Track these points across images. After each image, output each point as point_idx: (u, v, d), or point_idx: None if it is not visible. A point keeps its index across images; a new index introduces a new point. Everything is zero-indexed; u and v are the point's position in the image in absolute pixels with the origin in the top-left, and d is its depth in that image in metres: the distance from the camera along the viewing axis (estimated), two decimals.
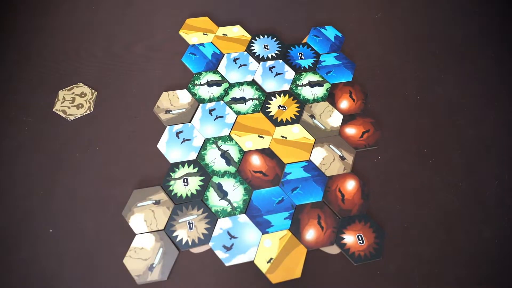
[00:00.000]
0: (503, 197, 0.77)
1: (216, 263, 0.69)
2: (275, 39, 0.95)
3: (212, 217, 0.72)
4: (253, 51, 0.92)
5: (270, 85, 0.87)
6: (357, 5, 1.03)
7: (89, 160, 0.78)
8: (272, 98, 0.85)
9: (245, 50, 0.92)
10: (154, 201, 0.73)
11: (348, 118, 0.84)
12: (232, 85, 0.87)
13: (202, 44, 0.93)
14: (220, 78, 0.87)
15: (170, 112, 0.83)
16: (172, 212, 0.72)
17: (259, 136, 0.80)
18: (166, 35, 0.95)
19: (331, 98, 0.86)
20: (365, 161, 0.80)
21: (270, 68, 0.89)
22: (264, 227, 0.71)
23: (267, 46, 0.93)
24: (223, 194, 0.74)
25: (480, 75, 0.91)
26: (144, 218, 0.71)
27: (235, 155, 0.78)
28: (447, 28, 0.99)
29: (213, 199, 0.74)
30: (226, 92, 0.86)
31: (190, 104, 0.84)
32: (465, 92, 0.88)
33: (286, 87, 0.87)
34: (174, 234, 0.70)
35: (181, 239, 0.70)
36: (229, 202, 0.74)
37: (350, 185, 0.76)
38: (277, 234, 0.71)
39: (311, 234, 0.71)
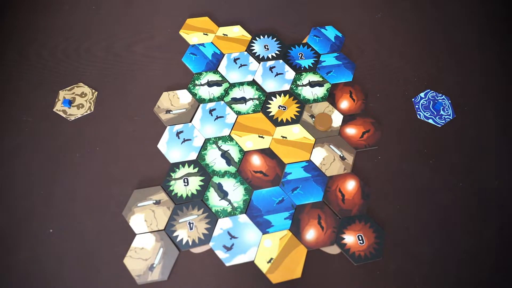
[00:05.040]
0: (503, 197, 0.77)
1: (217, 263, 0.69)
2: (275, 39, 0.95)
3: (213, 217, 0.72)
4: (253, 51, 0.92)
5: (270, 85, 0.87)
6: (357, 5, 1.03)
7: (89, 160, 0.78)
8: (273, 98, 0.85)
9: (245, 50, 0.92)
10: (154, 201, 0.73)
11: (348, 118, 0.84)
12: (232, 85, 0.87)
13: (203, 44, 0.93)
14: (220, 78, 0.87)
15: (171, 112, 0.83)
16: (173, 212, 0.72)
17: (259, 136, 0.80)
18: (167, 35, 0.95)
19: (331, 98, 0.86)
20: (365, 161, 0.80)
21: (271, 68, 0.89)
22: (264, 227, 0.71)
23: (267, 46, 0.93)
24: (223, 194, 0.74)
25: (480, 75, 0.91)
26: (145, 218, 0.72)
27: (235, 155, 0.78)
28: (447, 28, 0.99)
29: (214, 199, 0.74)
30: (226, 92, 0.86)
31: (191, 104, 0.84)
32: (465, 92, 0.88)
33: (287, 87, 0.87)
34: (175, 234, 0.70)
35: (182, 239, 0.70)
36: (230, 202, 0.74)
37: (350, 185, 0.76)
38: (277, 234, 0.71)
39: (311, 234, 0.71)
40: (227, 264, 0.68)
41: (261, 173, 0.77)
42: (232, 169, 0.77)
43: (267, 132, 0.81)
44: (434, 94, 0.88)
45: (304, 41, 0.95)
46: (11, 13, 0.97)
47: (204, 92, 0.85)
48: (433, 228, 0.74)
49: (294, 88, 0.87)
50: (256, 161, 0.78)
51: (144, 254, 0.69)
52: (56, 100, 0.84)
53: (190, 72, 0.89)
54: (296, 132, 0.81)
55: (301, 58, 0.92)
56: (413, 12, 1.02)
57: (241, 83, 0.87)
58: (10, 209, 0.73)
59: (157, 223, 0.71)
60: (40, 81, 0.87)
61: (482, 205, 0.76)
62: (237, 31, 0.95)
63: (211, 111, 0.83)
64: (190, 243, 0.70)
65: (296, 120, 0.83)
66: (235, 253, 0.69)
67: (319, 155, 0.79)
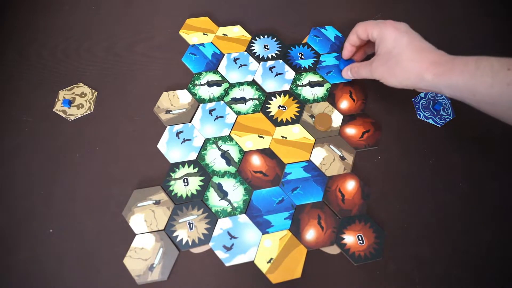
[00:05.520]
0: (503, 197, 0.77)
1: (216, 263, 0.69)
2: (275, 39, 0.95)
3: (212, 217, 0.72)
4: (253, 51, 0.92)
5: (270, 85, 0.87)
6: (357, 5, 1.03)
7: (89, 160, 0.78)
8: (272, 98, 0.85)
9: (245, 50, 0.92)
10: (154, 201, 0.73)
11: (348, 118, 0.84)
12: (232, 85, 0.87)
13: (202, 44, 0.93)
14: (220, 78, 0.87)
15: (170, 112, 0.83)
16: (172, 212, 0.72)
17: (259, 136, 0.80)
18: (166, 35, 0.95)
19: (331, 98, 0.86)
20: (365, 161, 0.80)
21: (270, 68, 0.89)
22: (264, 227, 0.72)
23: (267, 46, 0.93)
24: (223, 194, 0.74)
25: None
26: (144, 218, 0.72)
27: (235, 155, 0.78)
28: (447, 28, 0.99)
29: (213, 199, 0.74)
30: (226, 92, 0.86)
31: (190, 104, 0.84)
32: None
33: (286, 87, 0.87)
34: (174, 234, 0.70)
35: (181, 239, 0.70)
36: (229, 202, 0.74)
37: (350, 185, 0.76)
38: (277, 234, 0.71)
39: (311, 234, 0.71)
40: (227, 264, 0.68)
41: (261, 173, 0.77)
42: (232, 169, 0.77)
43: (267, 132, 0.81)
44: (434, 94, 0.88)
45: (304, 41, 0.95)
46: (11, 13, 0.97)
47: (204, 92, 0.86)
48: (433, 228, 0.74)
49: (294, 88, 0.87)
50: (256, 161, 0.78)
51: (144, 254, 0.69)
52: (56, 100, 0.84)
53: (190, 72, 0.89)
54: (296, 132, 0.81)
55: (301, 58, 0.92)
56: (413, 12, 1.02)
57: (241, 83, 0.87)
58: (10, 209, 0.73)
59: (157, 223, 0.71)
60: (40, 81, 0.87)
61: (482, 205, 0.76)
62: (237, 31, 0.95)
63: (211, 111, 0.83)
64: (190, 243, 0.70)
65: (296, 120, 0.83)
66: (235, 253, 0.69)
67: (319, 155, 0.79)
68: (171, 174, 0.76)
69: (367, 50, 0.89)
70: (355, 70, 0.84)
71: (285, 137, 0.81)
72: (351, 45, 0.85)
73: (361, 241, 0.71)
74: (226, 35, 0.95)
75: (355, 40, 0.84)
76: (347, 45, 0.86)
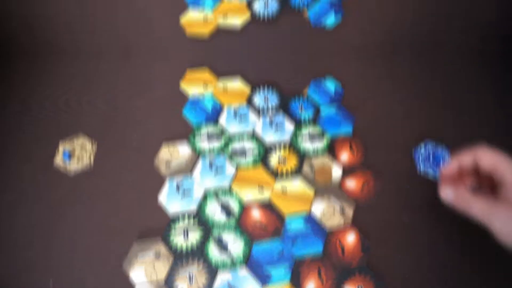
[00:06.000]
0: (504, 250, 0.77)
1: None
2: (275, 91, 0.96)
3: (212, 270, 0.72)
4: (253, 103, 0.93)
5: (270, 138, 0.88)
6: (356, 58, 1.04)
7: (89, 212, 0.78)
8: (272, 150, 0.86)
9: (245, 102, 0.93)
10: (154, 253, 0.73)
11: (348, 171, 0.84)
12: (232, 138, 0.87)
13: (202, 96, 0.94)
14: (220, 131, 0.88)
15: (170, 164, 0.83)
16: (172, 264, 0.72)
17: (259, 189, 0.81)
18: (166, 87, 0.96)
19: (331, 150, 0.87)
20: (365, 213, 0.80)
21: (270, 120, 0.90)
22: (264, 279, 0.71)
23: (267, 98, 0.94)
24: (223, 247, 0.74)
25: (478, 126, 0.91)
26: (145, 270, 0.71)
27: (235, 207, 0.78)
28: (447, 81, 1.00)
29: (213, 252, 0.74)
30: (226, 144, 0.86)
31: (190, 157, 0.84)
32: (465, 144, 0.88)
33: (286, 139, 0.88)
34: (175, 287, 0.70)
35: None
36: (229, 255, 0.73)
37: (350, 237, 0.76)
38: (277, 286, 0.71)
39: (311, 286, 0.71)
40: None
41: (261, 226, 0.77)
42: (232, 221, 0.77)
43: (267, 184, 0.81)
44: (434, 146, 0.88)
45: (304, 93, 0.96)
46: (12, 64, 0.99)
47: (204, 144, 0.86)
48: (433, 284, 0.73)
49: (294, 140, 0.88)
50: (256, 213, 0.78)
51: None
52: (56, 151, 0.84)
53: (190, 124, 0.90)
54: (296, 185, 0.82)
55: (301, 110, 0.93)
56: (412, 65, 1.03)
57: (241, 135, 0.88)
58: (11, 260, 0.73)
59: (157, 275, 0.71)
60: (41, 132, 0.88)
61: (484, 256, 0.76)
62: (237, 83, 0.97)
63: (211, 163, 0.84)
64: None
65: (296, 172, 0.83)
66: None
67: (319, 208, 0.79)
68: (171, 226, 0.76)
69: (469, 184, 0.68)
70: (464, 199, 0.63)
71: (285, 189, 0.81)
72: (460, 166, 0.66)
73: None
74: (226, 87, 0.96)
75: (468, 163, 0.65)
76: (455, 162, 0.66)
